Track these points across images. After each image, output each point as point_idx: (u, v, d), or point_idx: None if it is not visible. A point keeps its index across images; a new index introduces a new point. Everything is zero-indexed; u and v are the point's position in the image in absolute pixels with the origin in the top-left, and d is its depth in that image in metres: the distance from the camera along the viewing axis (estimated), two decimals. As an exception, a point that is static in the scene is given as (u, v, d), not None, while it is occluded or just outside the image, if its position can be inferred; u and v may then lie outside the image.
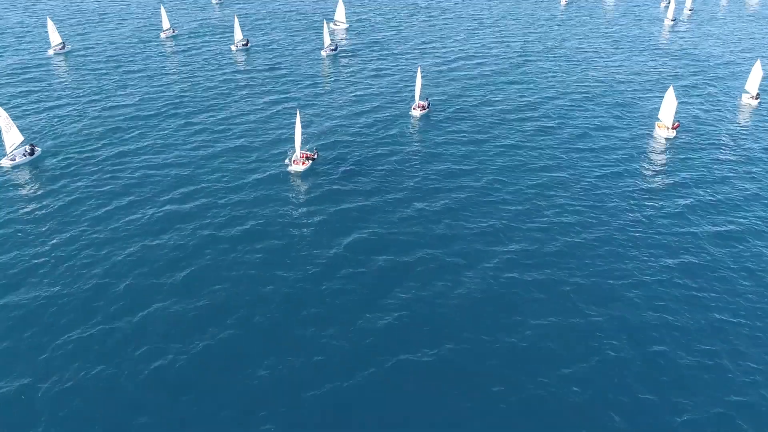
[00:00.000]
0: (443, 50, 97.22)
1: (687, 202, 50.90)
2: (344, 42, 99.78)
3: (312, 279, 39.55)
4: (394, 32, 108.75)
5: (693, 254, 43.31)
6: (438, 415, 30.55)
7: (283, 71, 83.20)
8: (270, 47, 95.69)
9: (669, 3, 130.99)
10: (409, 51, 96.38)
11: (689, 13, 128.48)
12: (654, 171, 56.87)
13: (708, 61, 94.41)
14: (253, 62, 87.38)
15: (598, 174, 55.31)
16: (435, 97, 72.80)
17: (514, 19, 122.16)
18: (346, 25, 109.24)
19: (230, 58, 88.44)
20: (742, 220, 48.27)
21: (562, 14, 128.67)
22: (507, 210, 48.39)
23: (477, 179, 53.43)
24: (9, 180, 51.72)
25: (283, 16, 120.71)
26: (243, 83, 77.68)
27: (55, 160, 55.07)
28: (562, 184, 53.10)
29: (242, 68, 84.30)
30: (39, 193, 49.59)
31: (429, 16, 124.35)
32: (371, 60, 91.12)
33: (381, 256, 41.86)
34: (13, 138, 54.25)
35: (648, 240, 44.97)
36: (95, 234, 43.63)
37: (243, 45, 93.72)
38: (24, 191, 50.05)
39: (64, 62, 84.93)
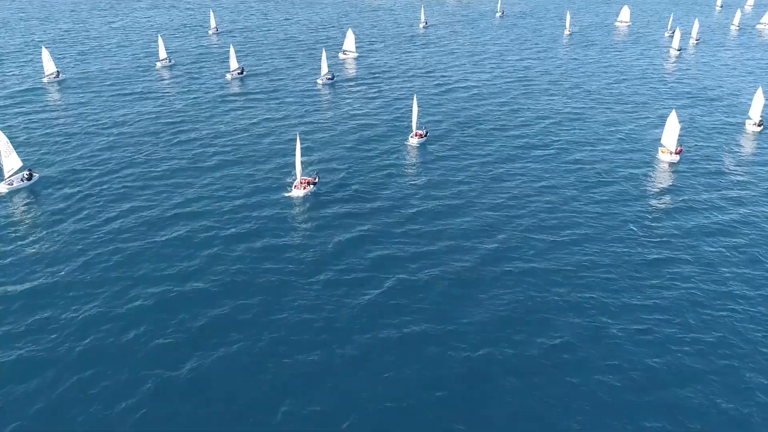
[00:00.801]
0: (443, 78, 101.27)
1: (691, 225, 52.98)
2: (342, 71, 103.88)
3: (311, 304, 41.47)
4: (393, 61, 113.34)
5: (695, 279, 44.99)
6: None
7: (279, 99, 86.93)
8: (266, 75, 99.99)
9: (673, 33, 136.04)
10: (408, 79, 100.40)
11: (695, 42, 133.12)
12: (658, 195, 59.27)
13: (712, 87, 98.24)
14: (249, 90, 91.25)
15: (601, 199, 57.62)
16: (433, 126, 75.82)
17: (516, 48, 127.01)
18: (356, 54, 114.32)
19: (226, 87, 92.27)
20: (747, 244, 50.17)
21: (566, 44, 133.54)
22: (506, 237, 50.43)
23: (475, 206, 55.74)
24: (6, 205, 54.17)
25: (280, 45, 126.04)
26: (239, 111, 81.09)
27: (52, 185, 57.62)
28: (563, 210, 55.28)
29: (238, 97, 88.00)
30: (37, 218, 51.89)
31: (429, 45, 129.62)
32: (369, 88, 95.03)
33: (381, 281, 43.74)
34: (12, 163, 57.00)
35: (652, 266, 46.58)
36: (93, 260, 45.61)
37: (238, 74, 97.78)
38: (21, 216, 52.42)
39: (59, 90, 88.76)
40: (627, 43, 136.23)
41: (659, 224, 53.07)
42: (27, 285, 42.47)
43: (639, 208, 55.97)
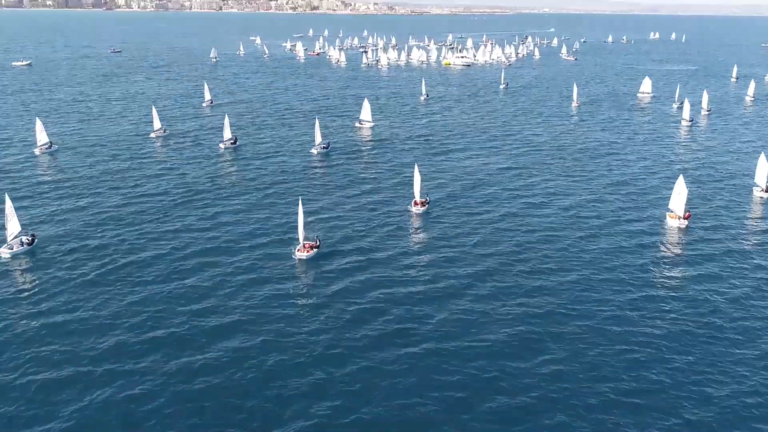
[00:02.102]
0: (445, 146, 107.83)
1: (699, 291, 56.18)
2: (348, 140, 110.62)
3: (310, 366, 44.43)
4: (394, 130, 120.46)
5: (703, 348, 47.44)
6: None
7: (273, 168, 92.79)
8: (259, 145, 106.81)
9: (681, 104, 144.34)
10: (411, 147, 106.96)
11: (707, 113, 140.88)
12: (667, 261, 63.26)
13: (721, 154, 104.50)
14: (242, 159, 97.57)
15: (609, 266, 60.95)
16: (435, 192, 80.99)
17: (522, 118, 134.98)
18: (372, 124, 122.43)
19: (218, 156, 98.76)
20: (756, 315, 53.11)
21: (573, 114, 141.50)
22: (511, 304, 53.33)
23: (479, 275, 58.77)
24: (6, 270, 58.46)
25: (274, 115, 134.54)
26: (233, 179, 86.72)
27: (50, 251, 61.89)
28: (568, 277, 58.45)
29: (230, 165, 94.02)
30: (36, 283, 55.37)
31: (431, 115, 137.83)
32: (369, 156, 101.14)
33: (383, 347, 46.47)
34: (13, 227, 61.75)
35: (660, 336, 49.01)
36: (91, 325, 48.64)
37: (231, 143, 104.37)
38: (20, 281, 56.04)
39: (51, 160, 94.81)
40: (637, 113, 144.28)
41: (667, 293, 56.21)
42: (24, 355, 45.56)
43: (647, 275, 59.41)
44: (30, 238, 62.69)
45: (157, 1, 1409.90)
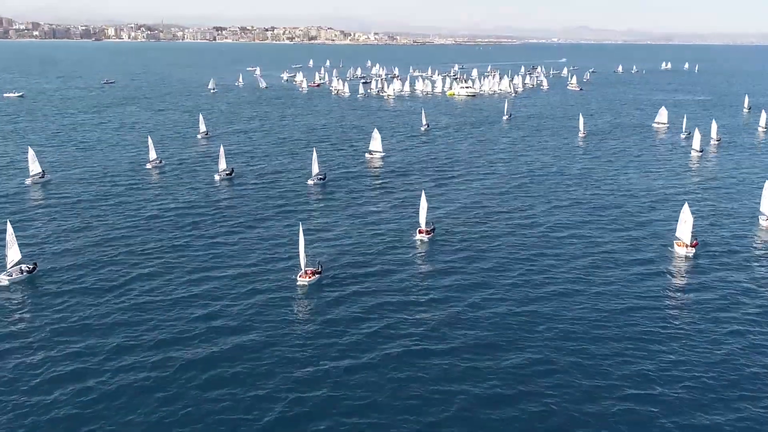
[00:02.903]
0: (452, 174, 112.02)
1: (706, 320, 58.71)
2: (352, 170, 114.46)
3: (310, 395, 46.78)
4: (395, 158, 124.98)
5: (710, 377, 49.56)
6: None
7: (272, 197, 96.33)
8: (256, 175, 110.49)
9: (689, 135, 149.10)
10: (415, 175, 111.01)
11: (716, 142, 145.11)
12: (675, 290, 65.73)
13: (730, 184, 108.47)
14: (238, 189, 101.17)
15: (613, 295, 63.53)
16: (441, 222, 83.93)
17: (527, 148, 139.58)
18: (383, 154, 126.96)
19: (214, 188, 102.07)
20: (764, 345, 55.05)
21: (580, 145, 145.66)
22: (516, 334, 55.54)
23: (483, 305, 61.08)
24: (4, 297, 61.32)
25: (270, 146, 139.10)
26: (230, 210, 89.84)
27: (48, 281, 64.34)
28: (574, 308, 60.80)
29: (227, 196, 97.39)
30: (33, 312, 57.91)
31: (433, 143, 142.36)
32: (372, 185, 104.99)
33: (385, 376, 48.56)
34: (13, 255, 64.87)
35: (668, 366, 50.98)
36: (88, 357, 50.70)
37: (227, 174, 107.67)
38: (18, 309, 58.62)
39: (44, 191, 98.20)
40: (645, 144, 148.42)
41: (675, 322, 58.54)
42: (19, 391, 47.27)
43: (652, 303, 61.83)
44: (30, 267, 65.69)
45: (149, 32, 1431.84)
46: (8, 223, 65.57)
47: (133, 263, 69.73)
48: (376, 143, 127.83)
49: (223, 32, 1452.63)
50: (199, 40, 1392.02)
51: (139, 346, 52.17)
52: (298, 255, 65.00)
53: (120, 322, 56.12)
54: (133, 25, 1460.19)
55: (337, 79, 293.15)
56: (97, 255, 71.62)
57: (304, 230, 66.30)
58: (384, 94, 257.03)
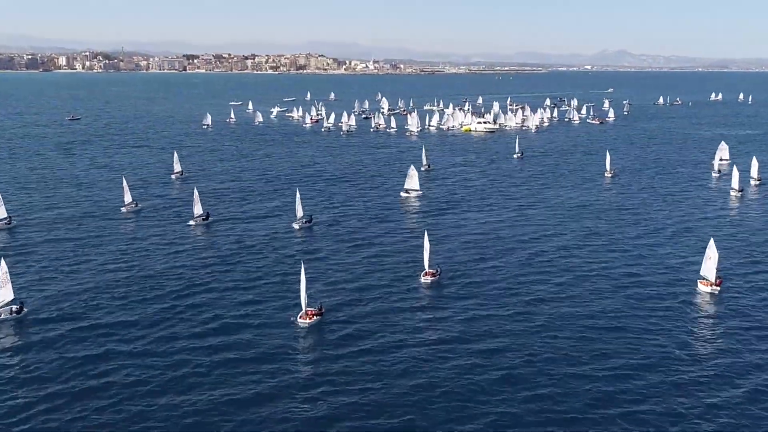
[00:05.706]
0: (457, 214, 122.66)
1: (729, 360, 66.77)
2: (356, 211, 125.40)
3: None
4: (396, 197, 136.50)
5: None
6: None
7: (252, 244, 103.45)
8: (234, 220, 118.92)
9: (720, 172, 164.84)
10: (417, 216, 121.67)
11: (758, 182, 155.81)
12: (701, 331, 73.87)
13: (760, 223, 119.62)
14: (216, 237, 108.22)
15: (635, 335, 71.42)
16: (446, 265, 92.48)
17: (542, 187, 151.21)
18: (420, 192, 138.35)
19: (190, 234, 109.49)
20: None
21: (607, 185, 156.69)
22: (529, 382, 62.01)
23: (492, 351, 67.93)
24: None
25: (249, 188, 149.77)
26: (210, 258, 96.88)
27: (38, 323, 72.75)
28: (594, 346, 68.66)
29: (205, 244, 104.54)
30: (23, 354, 65.92)
31: (436, 180, 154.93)
32: (367, 226, 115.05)
33: (386, 420, 55.48)
34: (4, 295, 74.96)
35: (689, 406, 57.83)
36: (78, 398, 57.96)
37: (203, 219, 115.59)
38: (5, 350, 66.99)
39: (10, 237, 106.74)
40: (682, 183, 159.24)
41: (699, 366, 65.67)
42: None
43: (676, 344, 69.70)
44: (18, 307, 75.39)
45: (107, 61, 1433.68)
46: (2, 260, 74.89)
47: (120, 316, 75.83)
48: (412, 181, 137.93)
49: (195, 61, 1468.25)
50: (166, 70, 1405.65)
51: (128, 401, 57.72)
52: (299, 296, 73.74)
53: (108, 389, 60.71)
54: (88, 53, 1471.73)
55: (348, 114, 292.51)
56: (82, 303, 78.78)
57: (306, 271, 74.54)
58: (389, 129, 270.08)
